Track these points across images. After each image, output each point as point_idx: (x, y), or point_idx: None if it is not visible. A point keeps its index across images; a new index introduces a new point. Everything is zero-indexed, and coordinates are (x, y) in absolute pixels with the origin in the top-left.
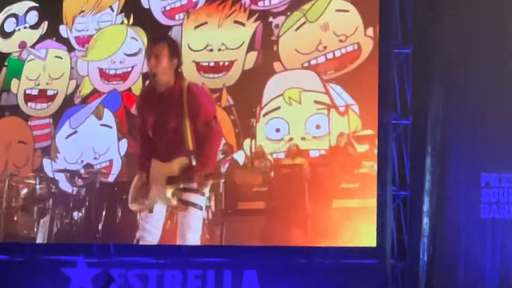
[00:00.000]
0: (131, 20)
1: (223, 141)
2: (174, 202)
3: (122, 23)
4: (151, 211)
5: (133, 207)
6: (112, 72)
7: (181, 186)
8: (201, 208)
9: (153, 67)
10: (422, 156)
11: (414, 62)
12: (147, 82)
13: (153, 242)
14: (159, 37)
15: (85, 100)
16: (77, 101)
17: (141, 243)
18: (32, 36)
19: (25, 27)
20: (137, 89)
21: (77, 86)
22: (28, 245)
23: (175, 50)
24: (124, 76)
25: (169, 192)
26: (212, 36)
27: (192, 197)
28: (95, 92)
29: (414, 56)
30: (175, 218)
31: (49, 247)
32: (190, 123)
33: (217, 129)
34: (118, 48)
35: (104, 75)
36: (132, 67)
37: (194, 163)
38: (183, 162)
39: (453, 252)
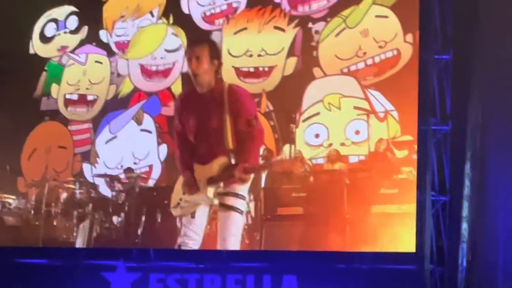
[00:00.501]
0: (171, 20)
1: (263, 146)
2: (216, 201)
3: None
4: (193, 216)
5: (175, 212)
6: (153, 68)
7: (222, 185)
8: (241, 212)
9: (194, 68)
10: (462, 161)
11: (454, 68)
12: (185, 87)
13: (195, 247)
14: (200, 39)
15: (125, 99)
16: (118, 101)
17: (183, 248)
18: (72, 41)
19: (65, 32)
20: (176, 88)
21: (117, 90)
22: (67, 249)
23: (215, 52)
24: (165, 73)
25: (210, 192)
26: (252, 42)
27: (232, 201)
28: (135, 91)
29: (454, 61)
30: (215, 223)
31: (88, 251)
32: (230, 122)
33: (259, 128)
34: (159, 44)
35: (145, 71)
36: (173, 63)
37: (233, 161)
38: (222, 161)
39: (492, 258)
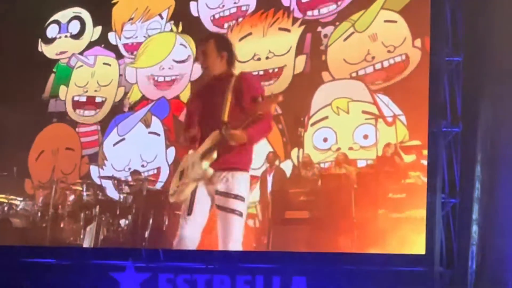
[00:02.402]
0: (180, 28)
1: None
2: (210, 172)
3: (171, 30)
4: (189, 213)
5: (172, 199)
6: (161, 79)
7: (215, 156)
8: (240, 214)
9: (202, 62)
10: (472, 163)
11: (464, 70)
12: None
13: (192, 247)
14: (206, 35)
15: (134, 107)
16: (125, 108)
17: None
18: (71, 46)
19: (66, 36)
20: (185, 97)
21: (125, 93)
22: (75, 249)
23: (222, 44)
24: (172, 83)
25: (205, 164)
26: (258, 45)
27: (231, 203)
28: (143, 99)
29: (465, 63)
30: (215, 225)
31: (97, 251)
32: (232, 98)
33: (265, 106)
34: (167, 54)
35: (153, 81)
36: (182, 74)
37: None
38: (215, 134)
39: (502, 261)
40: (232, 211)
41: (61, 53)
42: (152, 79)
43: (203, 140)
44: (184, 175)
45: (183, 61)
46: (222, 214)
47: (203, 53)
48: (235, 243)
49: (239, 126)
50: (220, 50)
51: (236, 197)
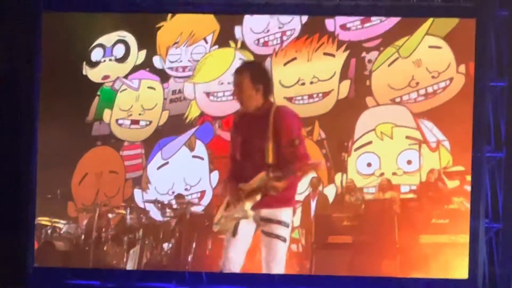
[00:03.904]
0: (239, 44)
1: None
2: (251, 214)
3: (229, 46)
4: (234, 235)
5: (215, 228)
6: (220, 94)
7: (258, 198)
8: (284, 240)
9: (237, 96)
10: None
11: (509, 95)
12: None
13: (236, 270)
14: (241, 66)
15: (194, 124)
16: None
17: (224, 271)
18: (116, 70)
19: (110, 60)
20: None
21: (185, 115)
22: (120, 272)
23: (258, 76)
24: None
25: (247, 205)
26: (303, 70)
27: (275, 229)
28: (202, 116)
29: (509, 88)
30: (258, 248)
31: (140, 273)
32: (273, 139)
33: (303, 152)
34: (226, 68)
35: (212, 97)
36: None
37: (271, 175)
38: (261, 175)
39: None
40: (277, 236)
41: (106, 77)
42: (211, 94)
43: (246, 175)
44: (229, 207)
45: None
46: (266, 240)
47: (238, 87)
48: (278, 266)
49: (281, 177)
50: (255, 83)
51: (280, 223)
